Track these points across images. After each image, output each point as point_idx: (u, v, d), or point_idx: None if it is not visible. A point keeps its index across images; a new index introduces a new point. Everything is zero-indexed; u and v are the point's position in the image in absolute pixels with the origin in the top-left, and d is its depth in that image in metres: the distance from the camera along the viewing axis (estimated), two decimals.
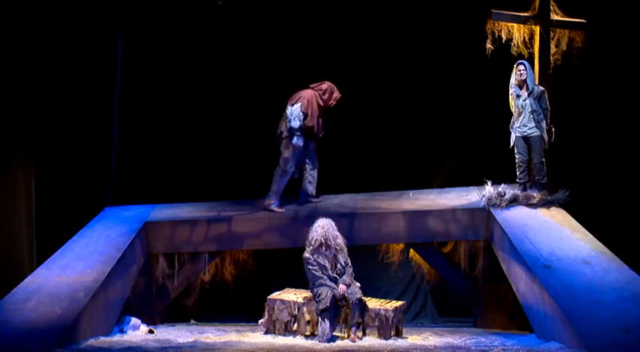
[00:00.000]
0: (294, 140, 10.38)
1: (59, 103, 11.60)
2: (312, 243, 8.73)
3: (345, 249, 8.81)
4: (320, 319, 8.52)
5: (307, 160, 10.72)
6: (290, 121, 10.39)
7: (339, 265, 8.71)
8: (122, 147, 11.33)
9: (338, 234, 8.82)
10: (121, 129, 11.32)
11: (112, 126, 11.27)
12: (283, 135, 10.46)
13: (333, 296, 8.52)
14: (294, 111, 10.37)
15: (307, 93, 10.51)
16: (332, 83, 10.60)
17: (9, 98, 10.84)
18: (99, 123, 11.51)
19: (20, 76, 10.96)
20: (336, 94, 10.57)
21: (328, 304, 8.46)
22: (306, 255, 8.73)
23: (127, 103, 11.51)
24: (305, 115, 10.39)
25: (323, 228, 8.74)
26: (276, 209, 10.37)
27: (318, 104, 10.50)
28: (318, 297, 8.56)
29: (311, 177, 10.73)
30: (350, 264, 8.78)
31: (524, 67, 9.88)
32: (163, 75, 11.98)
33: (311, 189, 10.73)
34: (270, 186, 10.49)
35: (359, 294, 8.62)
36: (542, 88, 9.92)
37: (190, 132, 12.09)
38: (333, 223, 8.84)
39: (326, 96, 10.53)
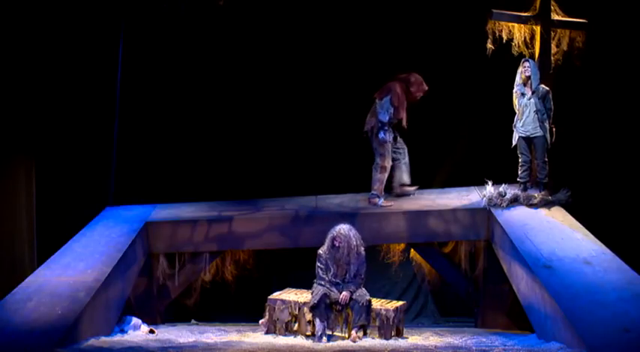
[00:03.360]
0: (381, 134, 10.31)
1: (60, 103, 11.60)
2: (326, 242, 8.74)
3: (363, 261, 8.72)
4: (312, 317, 8.58)
5: (399, 151, 10.63)
6: (379, 114, 10.31)
7: (348, 275, 8.70)
8: (123, 146, 11.33)
9: (356, 245, 8.70)
10: (122, 128, 11.32)
11: (112, 126, 11.26)
12: (374, 131, 10.42)
13: (325, 295, 8.53)
14: (384, 104, 10.29)
15: (395, 86, 10.41)
16: (419, 75, 10.50)
17: (9, 98, 10.84)
18: (100, 123, 11.51)
19: (20, 76, 10.96)
20: (423, 87, 10.47)
21: (316, 302, 8.51)
22: (320, 251, 8.77)
23: (128, 103, 11.51)
24: (395, 108, 10.33)
25: (334, 229, 8.71)
26: (384, 203, 10.31)
27: (406, 96, 10.41)
28: (312, 294, 8.61)
29: (405, 166, 10.66)
30: (363, 277, 8.73)
31: (529, 64, 9.87)
32: (164, 75, 11.98)
33: (407, 178, 10.67)
34: (372, 184, 10.43)
35: (368, 296, 8.63)
36: (547, 88, 9.90)
37: (191, 132, 12.10)
38: (352, 233, 8.73)
39: (413, 89, 10.43)
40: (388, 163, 10.45)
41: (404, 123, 10.50)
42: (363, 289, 8.69)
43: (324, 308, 8.54)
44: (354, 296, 8.58)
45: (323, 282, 8.64)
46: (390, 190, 10.66)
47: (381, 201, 10.35)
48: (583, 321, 7.49)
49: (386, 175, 10.45)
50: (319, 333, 8.51)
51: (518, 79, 10.00)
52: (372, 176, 10.50)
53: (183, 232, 10.22)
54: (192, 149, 12.06)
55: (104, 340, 8.39)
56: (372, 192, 10.43)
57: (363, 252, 8.76)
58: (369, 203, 10.43)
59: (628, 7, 10.86)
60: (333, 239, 8.65)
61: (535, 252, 8.70)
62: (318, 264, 8.71)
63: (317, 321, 8.55)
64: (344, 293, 8.59)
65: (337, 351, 7.98)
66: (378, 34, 11.84)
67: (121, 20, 11.33)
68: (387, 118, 10.28)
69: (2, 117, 10.77)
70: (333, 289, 8.61)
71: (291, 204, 10.67)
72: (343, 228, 8.72)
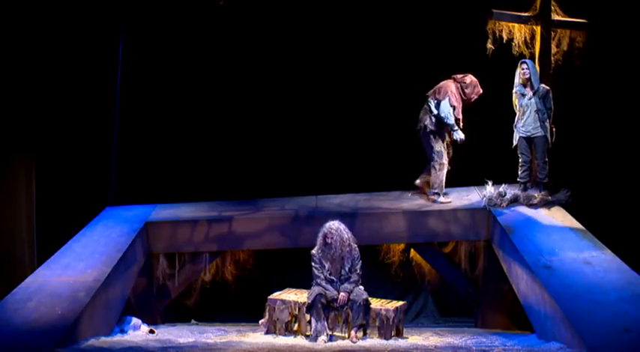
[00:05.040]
0: (456, 135, 10.26)
1: (60, 103, 11.60)
2: (317, 240, 8.74)
3: (356, 256, 8.71)
4: (309, 317, 8.60)
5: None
6: (444, 119, 10.24)
7: (343, 270, 8.69)
8: (123, 146, 11.34)
9: (348, 238, 8.70)
10: (122, 128, 11.33)
11: (112, 126, 11.27)
12: (427, 129, 10.37)
13: (320, 294, 8.53)
14: (445, 108, 10.25)
15: (451, 86, 10.41)
16: (475, 77, 10.47)
17: (9, 98, 10.85)
18: (100, 123, 11.51)
19: (20, 76, 10.97)
20: (478, 89, 10.44)
21: (310, 301, 8.53)
22: (313, 251, 8.77)
23: (128, 103, 11.51)
24: (454, 108, 10.31)
25: (324, 226, 8.70)
26: (443, 200, 10.29)
27: (461, 96, 10.42)
28: (309, 295, 8.64)
29: None
30: (358, 271, 8.71)
31: (527, 65, 9.88)
32: (164, 75, 11.98)
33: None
34: (431, 183, 10.41)
35: (365, 295, 8.62)
36: (547, 88, 9.91)
37: (191, 132, 12.10)
38: (342, 227, 8.74)
39: (468, 90, 10.41)
40: (446, 160, 10.43)
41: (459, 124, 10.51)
42: (361, 288, 8.68)
43: (320, 308, 8.54)
44: (351, 296, 8.58)
45: (319, 280, 8.64)
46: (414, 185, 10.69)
47: (440, 199, 10.32)
48: (583, 321, 7.49)
49: (445, 172, 10.41)
50: (315, 334, 8.50)
51: (517, 80, 10.01)
52: (431, 175, 10.43)
53: (183, 232, 10.22)
54: (192, 149, 12.06)
55: (104, 340, 8.39)
56: (432, 190, 10.39)
57: (355, 247, 8.75)
58: (427, 200, 10.40)
59: (628, 7, 10.85)
60: (325, 236, 8.66)
61: (535, 252, 8.70)
62: (312, 264, 8.71)
63: (313, 321, 8.56)
64: (342, 293, 8.58)
65: (337, 351, 7.98)
66: (378, 34, 11.84)
67: (121, 21, 11.33)
68: (453, 121, 10.27)
69: (2, 118, 10.77)
70: (329, 287, 8.61)
71: (291, 204, 10.67)
72: (333, 223, 8.73)
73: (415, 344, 8.38)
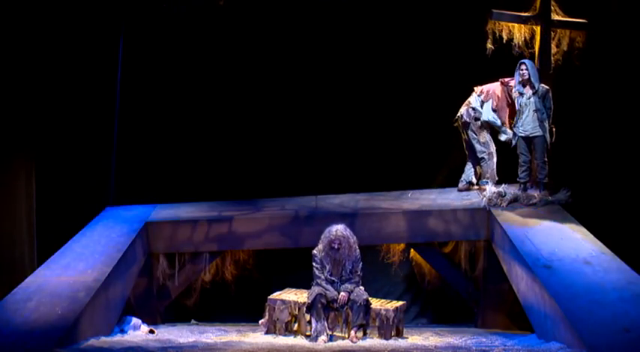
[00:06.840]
0: (502, 136, 10.40)
1: (60, 103, 11.61)
2: (321, 242, 8.73)
3: (357, 257, 8.71)
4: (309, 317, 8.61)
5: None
6: (490, 122, 10.40)
7: (344, 272, 8.69)
8: (123, 146, 11.34)
9: (352, 242, 8.68)
10: (122, 128, 11.33)
11: (112, 126, 11.27)
12: (463, 119, 10.51)
13: (320, 294, 8.53)
14: (486, 112, 10.40)
15: (497, 89, 10.48)
16: None
17: (9, 98, 10.85)
18: (100, 123, 11.52)
19: (20, 76, 10.96)
20: None
21: (310, 301, 8.53)
22: (314, 251, 8.77)
23: (128, 103, 11.51)
24: (495, 111, 10.42)
25: (331, 232, 8.66)
26: (494, 189, 10.25)
27: (506, 99, 10.47)
28: (309, 295, 8.64)
29: (479, 169, 10.71)
30: (359, 273, 8.71)
31: (527, 66, 9.88)
32: (164, 75, 11.98)
33: (475, 178, 10.70)
34: (482, 174, 10.51)
35: (365, 295, 8.62)
36: (546, 87, 9.91)
37: (191, 132, 12.10)
38: (348, 232, 8.71)
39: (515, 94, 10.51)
40: (493, 148, 10.50)
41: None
42: (361, 288, 8.68)
43: (320, 308, 8.54)
44: (351, 296, 8.58)
45: (319, 280, 8.64)
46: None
47: (491, 189, 10.27)
48: (583, 321, 7.49)
49: (495, 160, 10.48)
50: (315, 334, 8.50)
51: (517, 80, 10.01)
52: (481, 166, 10.54)
53: (183, 232, 10.22)
54: (192, 149, 12.06)
55: (104, 340, 8.39)
56: (483, 180, 10.47)
57: (357, 248, 8.75)
58: (479, 189, 10.46)
59: (628, 7, 10.85)
60: (331, 242, 8.61)
61: (535, 252, 8.69)
62: (313, 264, 8.71)
63: (313, 321, 8.56)
64: (342, 293, 8.59)
65: (337, 351, 7.98)
66: (376, 35, 11.84)
67: (121, 21, 11.34)
68: (499, 121, 10.40)
69: (2, 118, 10.77)
70: (329, 288, 8.61)
71: (291, 204, 10.67)
72: (339, 229, 8.68)
73: (415, 344, 8.38)
